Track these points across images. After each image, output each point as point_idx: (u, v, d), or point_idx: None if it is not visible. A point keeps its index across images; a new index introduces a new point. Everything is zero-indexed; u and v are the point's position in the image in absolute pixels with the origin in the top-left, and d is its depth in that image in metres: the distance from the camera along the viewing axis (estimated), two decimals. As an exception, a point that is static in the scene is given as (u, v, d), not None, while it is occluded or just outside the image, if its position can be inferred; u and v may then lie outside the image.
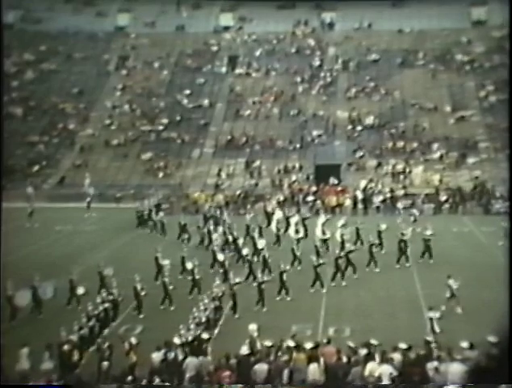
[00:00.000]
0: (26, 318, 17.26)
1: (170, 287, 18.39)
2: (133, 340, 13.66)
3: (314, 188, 36.35)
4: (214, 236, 23.86)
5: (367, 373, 11.87)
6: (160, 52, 51.22)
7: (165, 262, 20.09)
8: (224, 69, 49.70)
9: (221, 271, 20.08)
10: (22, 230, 28.93)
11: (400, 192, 35.39)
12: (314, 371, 12.31)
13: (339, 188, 36.27)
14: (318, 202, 34.17)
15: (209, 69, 49.72)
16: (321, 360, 12.62)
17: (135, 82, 48.74)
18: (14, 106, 44.96)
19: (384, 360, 12.06)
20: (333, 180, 36.81)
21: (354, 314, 17.89)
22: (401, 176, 37.73)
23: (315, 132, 41.97)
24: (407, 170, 38.09)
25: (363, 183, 36.12)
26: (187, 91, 47.28)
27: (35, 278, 18.07)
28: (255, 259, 21.22)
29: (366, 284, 20.31)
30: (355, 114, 43.33)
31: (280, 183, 38.01)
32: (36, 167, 41.36)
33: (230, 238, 23.77)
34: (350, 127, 42.47)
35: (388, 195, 34.99)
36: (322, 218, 25.53)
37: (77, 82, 49.00)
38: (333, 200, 34.65)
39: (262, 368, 12.32)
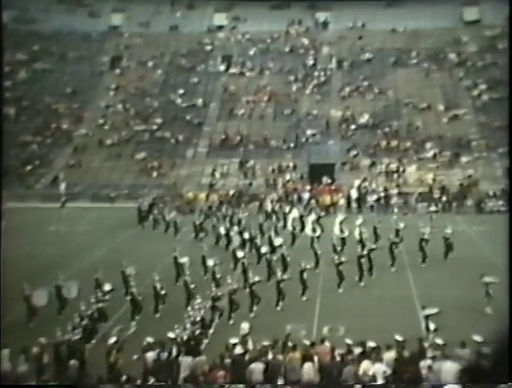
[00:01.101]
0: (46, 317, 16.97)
1: (192, 286, 18.03)
2: (113, 340, 13.65)
3: (308, 187, 36.43)
4: (232, 234, 24.07)
5: (361, 371, 11.91)
6: (154, 52, 51.17)
7: (184, 260, 20.02)
8: (218, 69, 49.70)
9: (240, 270, 19.95)
10: (15, 231, 28.81)
11: (394, 191, 35.51)
12: (309, 370, 12.35)
13: (333, 187, 36.37)
14: (312, 201, 34.25)
15: (203, 68, 49.72)
16: (316, 359, 12.67)
17: (128, 82, 48.66)
18: (7, 106, 44.77)
19: (378, 358, 12.11)
20: (326, 179, 36.88)
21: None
22: (395, 175, 37.84)
23: (309, 132, 42.03)
24: (401, 169, 38.19)
25: (356, 182, 36.22)
26: (181, 91, 47.25)
27: (60, 277, 18.05)
28: (274, 257, 21.09)
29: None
30: (349, 113, 43.42)
31: (274, 183, 38.05)
32: (29, 167, 41.25)
33: (247, 236, 23.74)
34: (343, 126, 42.56)
35: (382, 194, 35.10)
36: (340, 217, 25.68)
37: (71, 81, 48.91)
38: (327, 199, 34.74)
39: (258, 367, 12.35)
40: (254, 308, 17.58)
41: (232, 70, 49.29)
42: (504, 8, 47.66)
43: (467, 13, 50.37)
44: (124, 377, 11.57)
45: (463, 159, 38.70)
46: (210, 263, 19.81)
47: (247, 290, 17.92)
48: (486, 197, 34.35)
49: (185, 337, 13.97)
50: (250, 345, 13.62)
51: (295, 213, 27.97)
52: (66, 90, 47.98)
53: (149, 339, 13.49)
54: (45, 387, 11.52)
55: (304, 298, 18.80)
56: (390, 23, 50.38)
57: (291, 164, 39.69)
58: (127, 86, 48.29)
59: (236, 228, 25.34)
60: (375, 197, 34.80)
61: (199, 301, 16.14)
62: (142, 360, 12.84)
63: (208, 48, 51.55)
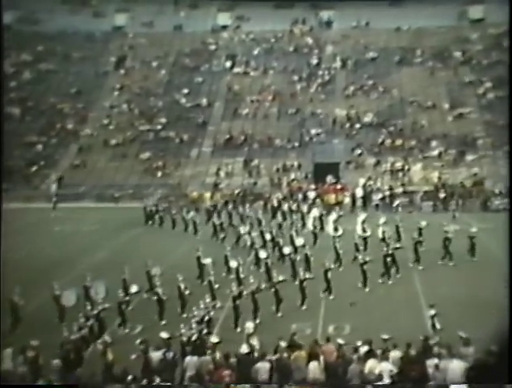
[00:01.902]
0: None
1: (216, 286, 17.99)
2: (108, 339, 13.62)
3: (313, 186, 36.39)
4: (253, 234, 24.12)
5: (366, 370, 11.87)
6: (158, 52, 51.21)
7: (207, 260, 19.95)
8: (222, 68, 49.70)
9: (263, 270, 19.94)
10: (20, 232, 28.87)
11: (399, 190, 35.42)
12: (314, 369, 12.32)
13: (338, 186, 36.32)
14: (317, 200, 34.21)
15: (207, 68, 49.73)
16: (321, 358, 12.63)
17: (133, 82, 48.72)
18: (11, 106, 44.91)
19: (384, 357, 12.06)
20: (330, 179, 36.83)
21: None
22: (400, 174, 37.76)
23: (313, 131, 41.98)
24: (406, 167, 38.11)
25: (361, 181, 36.15)
26: (185, 91, 47.27)
27: (87, 278, 18.03)
28: (298, 257, 21.04)
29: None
30: (354, 112, 43.33)
31: (279, 182, 38.03)
32: (34, 168, 41.34)
33: (268, 236, 23.70)
34: (348, 125, 42.47)
35: (387, 192, 35.01)
36: (362, 216, 25.62)
37: (75, 82, 49.00)
38: (332, 198, 34.67)
39: (264, 366, 12.33)
40: (271, 308, 17.45)
41: (237, 70, 49.28)
42: (508, 6, 47.55)
43: (471, 11, 50.16)
44: (130, 377, 11.55)
45: (469, 158, 38.58)
46: (233, 263, 19.87)
47: (271, 290, 17.73)
48: (492, 195, 34.22)
49: (193, 337, 13.95)
50: (256, 344, 13.60)
51: (315, 213, 27.80)
52: (71, 91, 48.07)
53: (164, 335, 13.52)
54: (45, 387, 11.47)
55: (331, 297, 18.74)
56: (394, 22, 50.21)
57: (295, 163, 39.65)
58: (131, 86, 48.34)
59: (247, 227, 25.32)
60: (380, 196, 34.71)
61: (207, 300, 16.11)
62: (142, 360, 12.78)
63: (212, 47, 51.55)
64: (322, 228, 26.45)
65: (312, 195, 34.87)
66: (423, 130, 41.37)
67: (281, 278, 17.88)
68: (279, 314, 17.40)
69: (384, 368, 11.69)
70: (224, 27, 53.20)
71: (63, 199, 37.09)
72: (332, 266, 19.31)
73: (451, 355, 11.96)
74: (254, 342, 13.60)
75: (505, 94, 42.06)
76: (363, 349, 12.45)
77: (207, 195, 36.79)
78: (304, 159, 39.98)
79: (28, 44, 50.80)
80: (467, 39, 48.71)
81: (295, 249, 22.07)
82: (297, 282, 18.49)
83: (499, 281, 16.74)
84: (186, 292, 17.48)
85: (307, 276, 18.40)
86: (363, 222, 24.46)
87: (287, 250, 21.68)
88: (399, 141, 40.38)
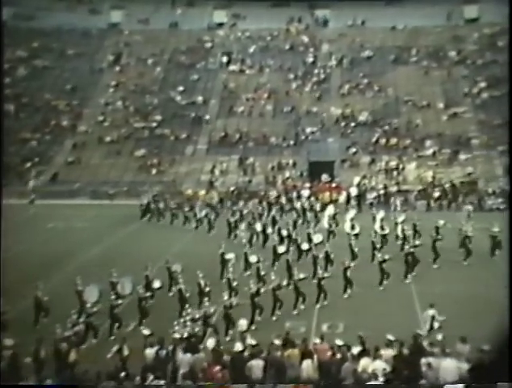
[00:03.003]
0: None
1: (234, 283, 17.99)
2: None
3: (308, 185, 36.43)
4: (269, 231, 24.41)
5: (360, 368, 11.92)
6: (153, 49, 51.09)
7: (230, 256, 20.01)
8: (218, 66, 49.64)
9: (284, 267, 19.90)
10: (15, 228, 28.80)
11: (394, 189, 35.50)
12: (307, 367, 12.36)
13: (333, 185, 36.37)
14: (312, 199, 34.21)
15: (203, 65, 49.66)
16: (315, 356, 12.67)
17: (128, 79, 48.60)
18: (6, 103, 44.69)
19: (378, 355, 12.11)
20: (326, 177, 36.88)
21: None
22: (395, 173, 37.84)
23: (308, 129, 42.01)
24: (400, 166, 38.20)
25: (356, 180, 36.21)
26: (181, 88, 47.20)
27: (113, 274, 18.02)
28: (320, 255, 20.89)
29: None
30: (349, 111, 43.39)
31: (274, 180, 38.05)
32: (29, 164, 41.23)
33: (285, 233, 23.68)
34: (343, 123, 42.53)
35: (382, 191, 35.09)
36: (381, 214, 25.66)
37: (71, 78, 48.81)
38: (326, 197, 34.71)
39: (257, 363, 12.36)
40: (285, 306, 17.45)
41: (232, 68, 49.23)
42: (503, 6, 47.72)
43: (467, 11, 50.26)
44: (123, 374, 11.57)
45: (463, 157, 38.71)
46: (253, 258, 19.93)
47: (290, 287, 17.78)
48: (485, 195, 34.34)
49: (185, 334, 13.98)
50: (250, 342, 13.63)
51: (330, 210, 27.74)
52: (66, 87, 47.91)
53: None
54: (45, 387, 11.49)
55: (346, 296, 18.74)
56: (390, 21, 50.27)
57: (290, 161, 39.69)
58: (126, 83, 48.22)
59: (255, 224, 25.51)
60: (374, 195, 34.78)
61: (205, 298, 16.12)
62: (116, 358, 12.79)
63: (208, 45, 51.49)
64: (337, 225, 26.22)
65: (306, 193, 34.92)
66: (418, 129, 41.47)
67: (302, 276, 17.85)
68: (295, 312, 17.40)
69: (377, 366, 11.74)
70: (220, 25, 53.12)
71: (57, 195, 37.01)
72: (352, 264, 19.34)
73: (444, 353, 12.04)
74: (249, 340, 13.65)
75: (499, 94, 42.31)
76: (357, 348, 12.51)
77: (202, 192, 36.78)
78: (299, 157, 40.02)
79: (23, 41, 50.56)
80: (462, 38, 48.82)
81: (312, 246, 22.03)
82: (315, 280, 18.46)
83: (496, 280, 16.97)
84: (207, 288, 17.48)
85: (325, 274, 18.37)
86: (382, 220, 24.57)
87: (305, 246, 21.81)
88: (394, 140, 40.46)
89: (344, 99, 44.84)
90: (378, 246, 21.81)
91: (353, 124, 42.29)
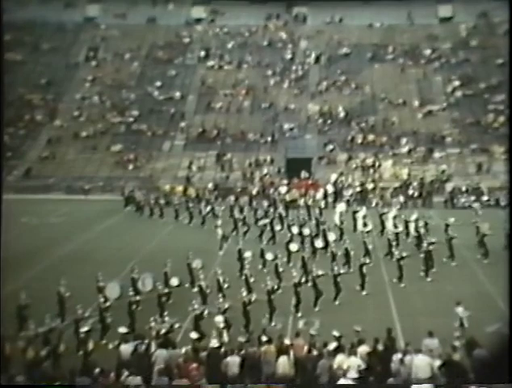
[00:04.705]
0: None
1: (251, 280, 18.02)
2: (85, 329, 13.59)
3: (285, 182, 36.49)
4: (277, 228, 24.44)
5: (335, 365, 11.99)
6: (131, 44, 50.61)
7: (247, 254, 19.97)
8: (196, 62, 49.41)
9: (300, 264, 19.91)
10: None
11: (370, 186, 35.76)
12: (284, 364, 12.39)
13: (310, 182, 36.49)
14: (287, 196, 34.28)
15: (181, 61, 49.39)
16: (291, 352, 12.71)
17: (105, 74, 48.09)
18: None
19: (353, 352, 12.20)
20: (305, 173, 37.02)
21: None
22: (371, 170, 38.12)
23: (286, 126, 42.09)
24: (376, 164, 38.50)
25: (333, 177, 36.40)
26: (158, 83, 46.88)
27: (134, 270, 17.89)
28: (339, 252, 20.89)
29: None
30: (326, 107, 43.56)
31: (251, 177, 38.04)
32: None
33: (295, 230, 23.59)
34: (321, 120, 42.70)
35: (358, 188, 35.32)
36: (393, 212, 25.70)
37: (45, 73, 48.09)
38: (295, 194, 34.33)
39: (233, 360, 12.36)
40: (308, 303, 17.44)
41: (210, 63, 49.05)
42: (476, 6, 48.49)
43: (441, 10, 50.77)
44: (97, 370, 11.48)
45: (437, 155, 39.16)
46: (269, 255, 19.92)
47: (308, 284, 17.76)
48: (458, 193, 34.80)
49: (163, 330, 13.93)
50: (226, 338, 13.64)
51: (342, 207, 27.69)
52: (40, 82, 47.20)
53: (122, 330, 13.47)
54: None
55: (364, 293, 18.75)
56: (367, 19, 50.59)
57: (268, 158, 39.71)
58: (103, 78, 47.71)
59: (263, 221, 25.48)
60: (350, 192, 34.98)
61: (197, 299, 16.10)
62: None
63: (186, 40, 51.20)
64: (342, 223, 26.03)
65: (284, 190, 34.98)
66: (394, 127, 41.83)
67: (320, 272, 17.85)
68: (317, 309, 17.37)
69: (352, 363, 11.83)
70: (199, 21, 52.86)
71: (31, 190, 36.54)
72: (367, 261, 19.38)
73: (416, 350, 12.18)
74: (224, 336, 13.67)
75: (472, 93, 43.01)
76: (332, 344, 12.59)
77: (180, 188, 36.65)
78: (276, 154, 40.06)
79: (-5, 33, 49.62)
80: (436, 37, 49.35)
81: (327, 244, 22.13)
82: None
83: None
84: (225, 285, 17.53)
85: (341, 270, 18.38)
86: (394, 218, 24.67)
87: (319, 244, 21.88)
88: (370, 138, 40.76)
89: (322, 95, 45.00)
90: (394, 243, 21.69)
91: (330, 121, 42.48)
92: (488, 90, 43.17)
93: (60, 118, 44.49)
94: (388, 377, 11.62)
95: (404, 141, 40.17)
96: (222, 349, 12.93)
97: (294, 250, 21.22)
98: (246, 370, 12.26)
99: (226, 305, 15.51)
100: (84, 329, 14.21)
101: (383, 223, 25.44)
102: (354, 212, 27.03)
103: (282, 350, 12.68)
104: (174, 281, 17.91)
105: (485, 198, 33.68)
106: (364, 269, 18.85)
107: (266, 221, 25.59)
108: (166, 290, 17.27)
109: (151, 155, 40.92)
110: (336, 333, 12.89)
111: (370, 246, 21.35)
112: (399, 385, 11.44)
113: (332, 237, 22.58)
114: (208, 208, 29.46)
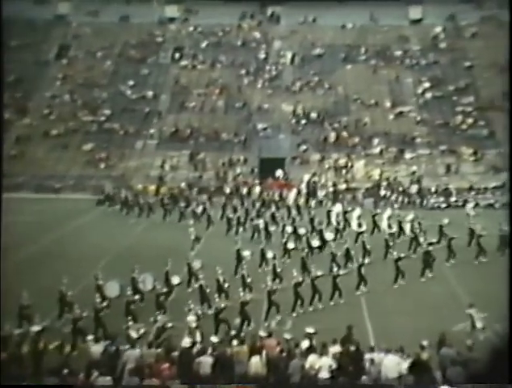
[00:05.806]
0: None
1: (249, 280, 17.93)
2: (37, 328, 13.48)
3: (258, 181, 36.54)
4: (272, 228, 24.54)
5: (307, 365, 12.03)
6: (103, 42, 50.05)
7: (246, 253, 19.99)
8: (169, 61, 49.11)
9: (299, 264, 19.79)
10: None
11: (343, 186, 36.02)
12: (256, 364, 12.39)
13: (283, 182, 36.60)
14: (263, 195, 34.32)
15: (154, 60, 49.04)
16: (263, 352, 12.71)
17: (76, 72, 47.48)
18: None
19: (324, 352, 12.25)
20: (280, 173, 37.12)
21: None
22: (344, 170, 38.40)
23: (260, 125, 42.12)
24: (349, 164, 38.79)
25: (306, 177, 36.56)
26: (131, 82, 46.46)
27: (135, 270, 17.80)
28: (338, 252, 20.80)
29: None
30: (300, 107, 43.72)
31: (225, 176, 38.00)
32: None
33: (289, 230, 23.57)
34: (294, 120, 42.85)
35: (331, 189, 35.55)
36: (388, 212, 25.78)
37: (14, 70, 47.15)
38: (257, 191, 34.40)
39: (206, 360, 12.31)
40: (302, 303, 17.46)
41: (184, 63, 48.81)
42: (445, 8, 49.23)
43: (411, 11, 51.30)
44: (66, 371, 11.32)
45: (408, 156, 39.63)
46: (270, 254, 20.00)
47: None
48: (428, 194, 35.28)
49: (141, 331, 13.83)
50: (198, 338, 13.58)
51: (338, 208, 27.68)
52: (8, 79, 46.29)
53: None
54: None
55: (361, 292, 18.76)
56: (340, 19, 50.86)
57: (241, 158, 39.71)
58: (74, 77, 47.08)
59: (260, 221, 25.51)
60: (324, 192, 35.19)
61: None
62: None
63: (159, 39, 50.86)
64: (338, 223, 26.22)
65: (257, 189, 35.01)
66: (366, 127, 42.17)
67: (319, 273, 17.84)
68: (311, 309, 17.45)
69: (323, 363, 11.89)
70: (172, 20, 52.54)
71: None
72: (366, 261, 19.40)
73: (386, 350, 12.29)
74: (197, 336, 13.60)
75: (441, 94, 43.66)
76: (305, 344, 12.64)
77: (152, 188, 36.42)
78: (250, 154, 40.08)
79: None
80: (407, 38, 49.92)
81: (324, 243, 22.18)
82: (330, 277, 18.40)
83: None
84: (226, 284, 17.48)
85: (340, 271, 18.38)
86: (389, 219, 24.87)
87: (316, 243, 21.96)
88: (343, 138, 41.05)
89: (295, 96, 45.14)
90: (391, 243, 21.64)
91: (304, 121, 42.65)
92: (456, 92, 43.91)
93: (30, 116, 43.77)
94: (360, 376, 11.70)
95: (376, 141, 40.56)
96: (194, 349, 12.88)
97: (291, 247, 21.35)
98: (218, 370, 12.22)
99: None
100: (36, 329, 13.97)
101: (375, 223, 25.52)
102: (345, 213, 27.13)
103: (254, 350, 12.68)
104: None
105: (453, 199, 34.27)
106: (363, 269, 18.89)
107: (260, 221, 25.63)
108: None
109: (123, 154, 40.57)
110: (310, 330, 12.96)
111: (368, 247, 21.32)
112: (369, 385, 11.53)
113: (329, 237, 22.61)
114: (200, 208, 29.46)
